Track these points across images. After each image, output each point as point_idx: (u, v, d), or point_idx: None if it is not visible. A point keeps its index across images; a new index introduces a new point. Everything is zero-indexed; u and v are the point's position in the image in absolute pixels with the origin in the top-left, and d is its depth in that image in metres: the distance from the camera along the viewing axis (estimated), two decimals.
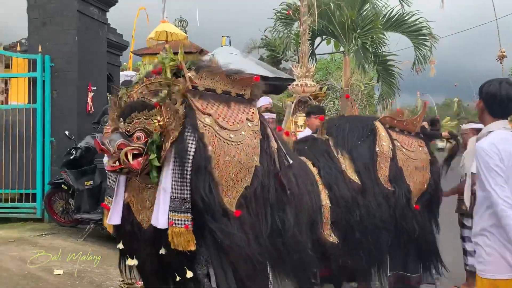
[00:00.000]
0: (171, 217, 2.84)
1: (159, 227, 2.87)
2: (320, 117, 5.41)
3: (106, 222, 3.21)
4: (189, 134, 2.85)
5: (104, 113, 7.02)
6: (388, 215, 4.08)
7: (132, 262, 3.17)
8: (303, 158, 3.99)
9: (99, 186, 6.60)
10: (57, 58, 7.45)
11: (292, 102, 7.51)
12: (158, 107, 2.93)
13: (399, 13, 11.18)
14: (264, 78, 8.56)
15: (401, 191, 4.16)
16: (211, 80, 3.09)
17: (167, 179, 2.90)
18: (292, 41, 11.40)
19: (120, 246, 3.25)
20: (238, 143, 3.01)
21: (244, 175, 2.99)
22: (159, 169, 2.92)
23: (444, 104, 56.76)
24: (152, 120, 2.92)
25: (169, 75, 2.97)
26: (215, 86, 3.11)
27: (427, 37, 11.16)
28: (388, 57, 11.83)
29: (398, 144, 4.39)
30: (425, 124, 4.88)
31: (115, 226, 3.19)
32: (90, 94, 7.66)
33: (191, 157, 2.81)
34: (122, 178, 3.17)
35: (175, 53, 3.10)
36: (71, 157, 6.33)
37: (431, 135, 4.95)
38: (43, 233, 6.42)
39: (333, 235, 3.79)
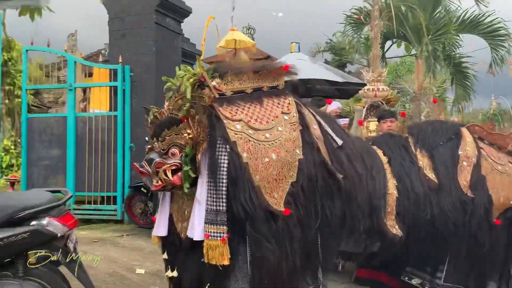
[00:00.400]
0: (206, 229, 2.82)
1: (194, 238, 2.88)
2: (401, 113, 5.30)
3: (153, 233, 3.27)
4: (220, 145, 2.83)
5: None
6: (462, 221, 3.81)
7: (171, 273, 3.18)
8: (374, 147, 3.87)
9: None
10: (136, 67, 7.85)
11: (363, 107, 7.46)
12: (185, 120, 2.96)
13: (474, 14, 10.80)
14: (334, 83, 8.56)
15: (480, 200, 3.89)
16: (239, 81, 3.06)
17: (202, 191, 2.91)
18: (362, 45, 11.32)
19: (165, 256, 3.26)
20: (276, 140, 2.93)
21: (288, 171, 2.91)
22: (194, 180, 2.95)
23: None
24: (183, 134, 2.97)
25: (189, 92, 2.92)
26: (243, 87, 3.06)
27: (504, 38, 10.69)
28: (462, 59, 11.46)
29: (484, 153, 4.17)
30: None
31: (160, 238, 3.23)
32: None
33: (225, 170, 2.80)
34: (168, 195, 3.22)
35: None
36: None
37: None
38: (124, 234, 6.76)
39: (396, 226, 3.62)
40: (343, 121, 6.90)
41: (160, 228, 3.20)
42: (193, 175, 2.92)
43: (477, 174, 3.99)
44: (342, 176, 3.09)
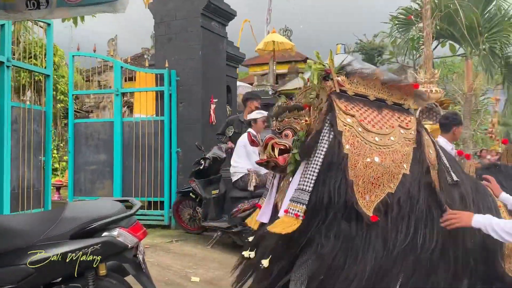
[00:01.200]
0: (288, 206, 2.86)
1: (278, 215, 2.93)
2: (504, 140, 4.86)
3: (256, 218, 3.39)
4: (326, 130, 2.89)
5: (228, 124, 7.27)
6: None
7: (248, 253, 3.28)
8: (483, 182, 3.55)
9: (223, 195, 6.83)
10: (182, 72, 7.84)
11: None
12: (307, 108, 3.12)
13: None
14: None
15: None
16: (364, 86, 3.10)
17: (298, 172, 2.98)
18: (408, 45, 11.08)
19: (250, 239, 3.38)
20: (384, 147, 2.91)
21: (388, 180, 2.85)
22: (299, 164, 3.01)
23: None
24: (300, 120, 3.13)
25: (315, 79, 3.03)
26: (367, 93, 3.10)
27: None
28: None
29: None
30: None
31: (261, 223, 3.33)
32: (213, 106, 7.95)
33: (322, 153, 2.84)
34: (276, 181, 3.35)
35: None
36: (201, 167, 6.58)
37: None
38: (173, 240, 6.74)
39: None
40: None
41: (264, 216, 3.33)
42: (298, 159, 3.00)
43: None
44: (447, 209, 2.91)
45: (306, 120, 3.12)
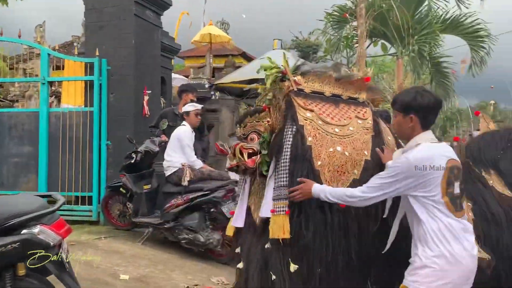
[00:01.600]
0: (273, 206, 2.99)
1: (263, 215, 3.08)
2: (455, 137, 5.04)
3: (230, 224, 3.53)
4: (288, 126, 3.06)
5: (162, 116, 7.09)
6: None
7: (240, 265, 3.35)
8: None
9: (156, 190, 6.64)
10: (113, 61, 7.54)
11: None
12: (267, 109, 3.27)
13: (455, 15, 10.89)
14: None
15: None
16: (319, 83, 3.29)
17: (271, 170, 3.14)
18: (342, 43, 11.28)
19: (238, 250, 3.43)
20: (345, 137, 3.10)
21: (352, 167, 3.03)
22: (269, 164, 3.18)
23: (479, 106, 54.82)
24: (263, 122, 3.29)
25: (269, 83, 3.19)
26: (323, 89, 3.29)
27: (484, 39, 10.83)
28: (441, 59, 11.57)
29: None
30: None
31: (236, 229, 3.46)
32: (146, 98, 7.71)
33: (289, 148, 3.00)
34: (247, 186, 3.47)
35: None
36: (132, 161, 6.36)
37: None
38: (102, 236, 6.48)
39: (480, 250, 3.31)
40: None
41: (238, 220, 3.43)
42: (268, 160, 3.17)
43: None
44: None
45: (268, 121, 3.26)
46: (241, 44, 21.80)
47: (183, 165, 6.02)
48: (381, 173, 2.79)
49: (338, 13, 11.14)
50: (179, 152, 6.11)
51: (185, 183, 5.94)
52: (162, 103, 8.91)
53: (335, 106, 3.24)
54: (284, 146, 3.02)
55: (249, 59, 20.19)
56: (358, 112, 3.25)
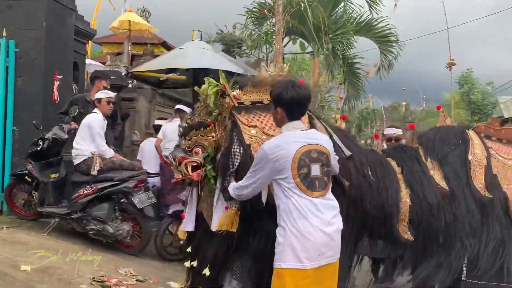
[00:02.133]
0: (227, 203, 3.35)
1: (217, 215, 3.38)
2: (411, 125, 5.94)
3: (181, 228, 3.81)
4: (235, 147, 3.35)
5: (73, 103, 6.86)
6: (480, 222, 4.06)
7: (190, 263, 3.70)
8: (388, 158, 4.13)
9: (64, 179, 6.42)
10: (22, 43, 7.17)
11: None
12: (212, 125, 3.54)
13: (368, 18, 11.43)
14: (235, 74, 8.55)
15: (497, 198, 4.16)
16: (257, 93, 3.56)
17: (219, 186, 3.43)
18: (262, 39, 11.45)
19: (189, 249, 3.75)
20: None
21: None
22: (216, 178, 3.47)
23: (391, 106, 57.96)
24: (208, 136, 3.52)
25: (212, 100, 3.50)
26: (261, 98, 3.55)
27: (393, 44, 11.50)
28: (355, 60, 12.11)
29: (493, 152, 4.47)
30: None
31: (188, 233, 3.75)
32: (56, 83, 7.40)
33: (234, 167, 3.32)
34: (195, 191, 3.71)
35: None
36: (38, 148, 6.10)
37: None
38: (4, 226, 6.16)
39: (408, 232, 3.82)
40: None
41: (188, 224, 3.72)
42: (213, 174, 3.45)
43: (490, 174, 4.26)
44: (348, 184, 3.44)
45: (213, 136, 3.53)
46: (162, 33, 21.39)
47: (92, 154, 5.87)
48: None
49: (258, 9, 11.30)
50: (89, 140, 5.94)
51: (94, 172, 5.79)
52: (74, 89, 8.56)
53: None
54: (231, 165, 3.32)
55: (169, 48, 19.88)
56: None
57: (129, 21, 15.97)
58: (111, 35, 20.26)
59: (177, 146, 3.70)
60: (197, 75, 8.62)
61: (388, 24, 11.36)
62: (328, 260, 2.90)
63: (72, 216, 5.89)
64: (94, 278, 4.76)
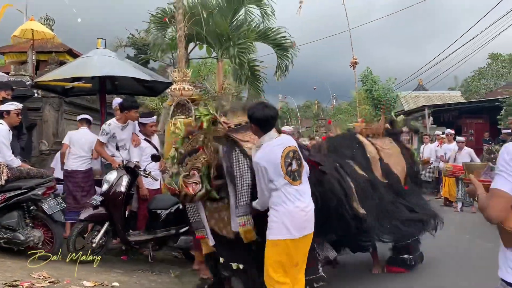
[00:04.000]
0: (241, 221, 4.13)
1: (233, 230, 4.24)
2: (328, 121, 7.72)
3: (209, 246, 4.66)
4: (242, 158, 4.16)
5: None
6: (391, 197, 5.67)
7: (236, 265, 4.49)
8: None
9: None
10: None
11: (170, 105, 7.77)
12: (201, 149, 4.32)
13: (266, 27, 12.06)
14: (141, 81, 8.73)
15: (393, 181, 5.75)
16: (236, 117, 4.50)
17: (231, 193, 4.23)
18: (167, 44, 11.65)
19: (221, 260, 4.58)
20: None
21: None
22: (218, 190, 4.35)
23: (305, 105, 60.17)
24: (200, 159, 4.28)
25: (207, 125, 4.31)
26: (240, 121, 4.46)
27: (288, 50, 12.22)
28: (255, 63, 12.68)
29: (378, 146, 5.90)
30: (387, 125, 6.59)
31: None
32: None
33: (248, 174, 4.10)
34: (202, 213, 4.57)
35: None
36: None
37: (395, 133, 6.59)
38: None
39: (361, 208, 5.05)
40: (151, 120, 7.16)
41: (211, 240, 4.63)
42: (209, 188, 4.30)
43: (384, 165, 5.83)
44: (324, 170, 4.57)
45: (204, 158, 4.30)
46: (66, 40, 20.81)
47: None
48: None
49: (161, 15, 11.49)
50: None
51: (1, 182, 5.77)
52: None
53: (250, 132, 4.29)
54: (244, 173, 4.10)
55: (75, 56, 19.37)
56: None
57: (32, 30, 15.47)
58: (14, 45, 19.41)
59: (178, 174, 4.45)
60: (103, 82, 8.71)
61: (284, 32, 12.06)
62: (308, 231, 3.92)
63: None
64: (6, 283, 4.80)
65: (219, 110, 4.47)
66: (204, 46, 13.01)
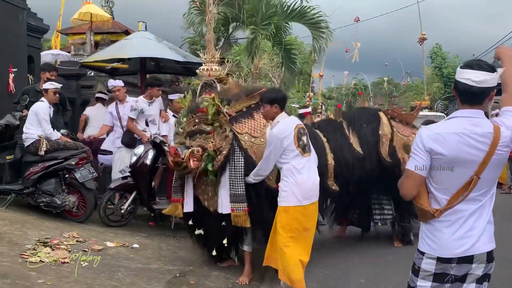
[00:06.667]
0: (232, 206, 4.60)
1: (223, 212, 4.68)
2: (338, 105, 8.03)
3: (183, 210, 4.97)
4: (238, 151, 4.66)
5: (24, 93, 7.37)
6: (386, 176, 5.86)
7: (199, 231, 5.00)
8: (317, 131, 5.68)
9: (19, 160, 6.95)
10: None
11: (197, 85, 8.09)
12: (212, 133, 4.68)
13: (301, 6, 11.97)
14: (176, 62, 9.14)
15: (394, 162, 5.96)
16: (238, 104, 4.86)
17: (225, 181, 4.65)
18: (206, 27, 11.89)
19: (190, 222, 5.02)
20: (264, 141, 4.74)
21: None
22: (215, 173, 4.68)
23: (376, 83, 58.27)
24: (208, 142, 4.65)
25: (212, 114, 4.68)
26: (241, 107, 4.88)
27: (324, 30, 12.08)
28: (291, 45, 12.67)
29: (395, 130, 6.12)
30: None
31: (187, 212, 4.98)
32: (11, 75, 7.89)
33: (242, 167, 4.60)
34: (190, 179, 4.89)
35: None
36: None
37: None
38: None
39: (335, 185, 5.50)
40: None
41: (187, 206, 4.93)
42: (211, 169, 4.62)
43: (392, 146, 6.02)
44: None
45: (212, 142, 4.65)
46: (124, 21, 21.51)
47: (39, 137, 6.44)
48: None
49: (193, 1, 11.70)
50: (36, 125, 6.49)
51: (41, 152, 6.37)
52: (30, 80, 9.06)
53: (253, 119, 4.85)
54: (238, 166, 4.60)
55: None
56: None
57: (90, 13, 16.23)
58: (75, 27, 20.36)
59: (183, 143, 4.82)
60: (144, 63, 9.21)
61: (320, 12, 11.93)
62: (314, 199, 4.44)
63: (25, 191, 6.47)
64: (39, 239, 5.36)
65: (224, 100, 4.81)
66: (249, 28, 13.13)
